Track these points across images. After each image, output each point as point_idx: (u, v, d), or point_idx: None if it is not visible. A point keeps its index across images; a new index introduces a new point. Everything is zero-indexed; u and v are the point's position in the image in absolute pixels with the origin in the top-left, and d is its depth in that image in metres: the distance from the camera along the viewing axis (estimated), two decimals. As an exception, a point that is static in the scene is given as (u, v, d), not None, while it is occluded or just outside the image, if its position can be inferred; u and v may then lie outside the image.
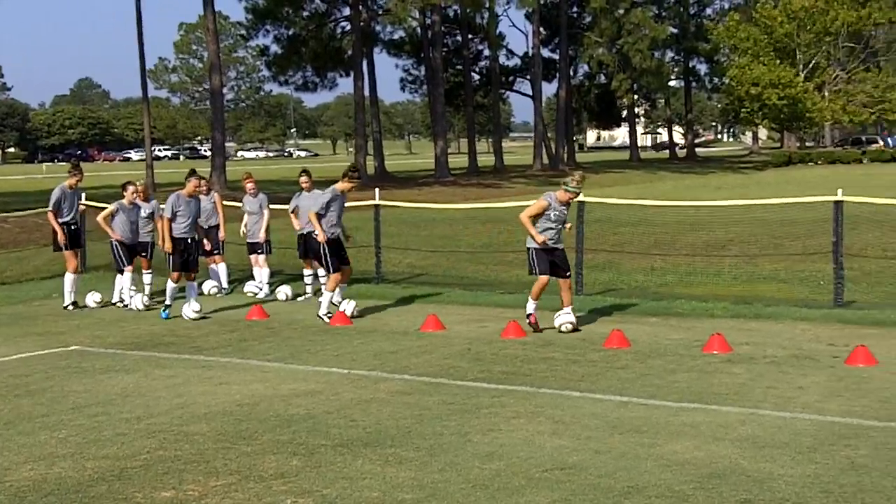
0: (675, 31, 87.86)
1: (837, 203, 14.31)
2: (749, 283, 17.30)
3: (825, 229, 15.80)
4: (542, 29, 77.15)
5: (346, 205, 14.81)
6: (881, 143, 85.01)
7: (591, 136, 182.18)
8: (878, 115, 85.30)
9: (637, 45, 73.79)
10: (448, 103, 74.26)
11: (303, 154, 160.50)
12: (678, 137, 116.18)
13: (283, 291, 16.77)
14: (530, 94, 76.45)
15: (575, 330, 12.70)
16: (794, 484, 6.71)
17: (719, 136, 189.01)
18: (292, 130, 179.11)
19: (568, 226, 13.27)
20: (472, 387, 9.88)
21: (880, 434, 7.87)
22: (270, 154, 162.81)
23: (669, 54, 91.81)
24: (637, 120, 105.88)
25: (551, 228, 12.85)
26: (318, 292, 16.75)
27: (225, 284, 17.66)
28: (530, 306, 12.98)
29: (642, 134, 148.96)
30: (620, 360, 11.03)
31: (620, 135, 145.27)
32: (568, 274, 13.08)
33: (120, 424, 8.72)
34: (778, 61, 79.58)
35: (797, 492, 6.55)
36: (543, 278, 12.82)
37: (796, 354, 11.10)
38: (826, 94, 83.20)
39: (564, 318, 12.70)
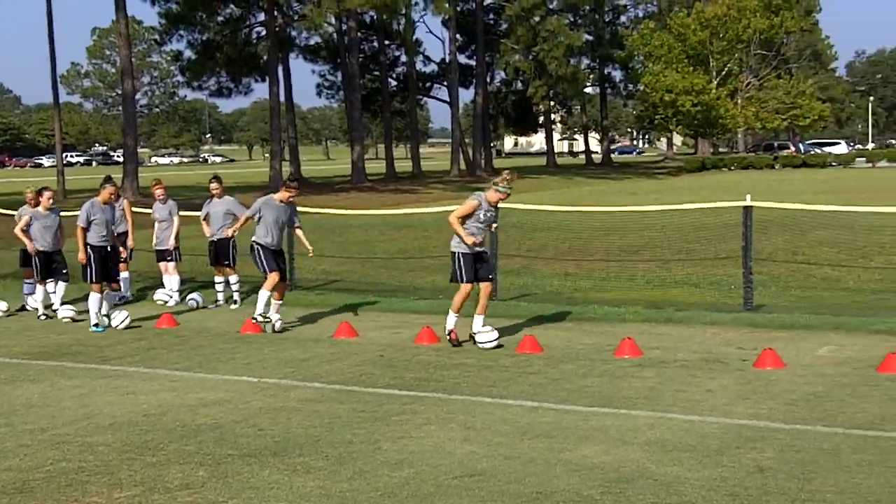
0: (590, 38, 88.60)
1: (746, 208, 14.51)
2: (662, 288, 17.46)
3: (736, 234, 15.99)
4: (458, 35, 77.19)
5: None
6: (793, 148, 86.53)
7: (508, 142, 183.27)
8: (790, 121, 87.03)
9: (553, 53, 74.21)
10: (365, 109, 74.08)
11: (218, 160, 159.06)
12: (594, 144, 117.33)
13: (194, 299, 16.54)
14: (447, 100, 76.48)
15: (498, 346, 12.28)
16: (701, 487, 6.75)
17: (635, 143, 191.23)
18: (207, 136, 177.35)
19: (494, 226, 13.20)
20: (383, 394, 9.81)
21: (786, 436, 7.96)
22: (185, 160, 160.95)
23: (585, 61, 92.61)
24: (553, 126, 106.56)
25: (479, 230, 12.48)
26: (229, 300, 16.55)
27: (128, 293, 17.38)
28: (451, 321, 12.43)
29: (559, 140, 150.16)
30: (533, 366, 11.03)
31: (538, 141, 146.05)
32: (491, 277, 12.91)
33: (23, 436, 8.49)
34: (691, 68, 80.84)
35: (703, 495, 6.59)
36: (467, 287, 12.34)
37: (706, 358, 11.21)
38: (739, 100, 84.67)
39: (487, 336, 12.15)
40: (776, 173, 70.35)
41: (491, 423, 8.58)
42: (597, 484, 6.87)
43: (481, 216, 12.41)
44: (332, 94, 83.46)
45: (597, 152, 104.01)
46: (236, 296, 16.50)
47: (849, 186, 45.46)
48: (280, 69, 60.65)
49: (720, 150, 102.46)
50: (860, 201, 28.95)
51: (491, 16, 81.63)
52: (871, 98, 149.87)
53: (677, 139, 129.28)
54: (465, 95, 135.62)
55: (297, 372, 11.00)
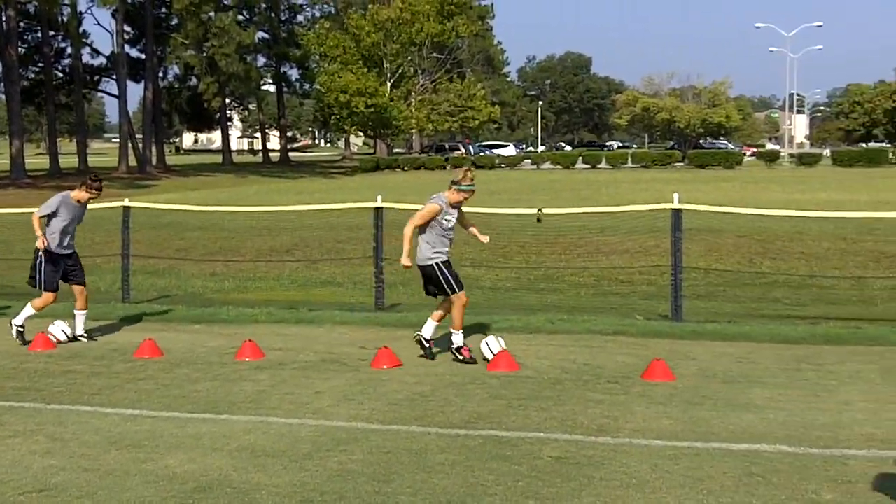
0: (266, 36, 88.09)
1: (378, 209, 14.64)
2: (306, 288, 17.43)
3: (392, 234, 15.98)
4: (128, 28, 74.85)
5: None
6: (462, 150, 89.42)
7: (188, 139, 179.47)
8: (461, 123, 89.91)
9: (224, 49, 73.21)
10: (29, 102, 70.54)
11: None
12: (276, 142, 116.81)
13: None
14: (116, 94, 73.90)
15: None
16: (278, 494, 6.61)
17: (317, 142, 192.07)
18: None
19: (485, 238, 11.36)
20: (-27, 406, 9.13)
21: (379, 437, 7.96)
22: None
23: (262, 59, 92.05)
24: (231, 123, 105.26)
25: (445, 238, 10.89)
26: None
27: None
28: (458, 338, 10.88)
29: (239, 138, 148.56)
30: (147, 371, 10.62)
31: (219, 138, 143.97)
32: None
33: None
34: (366, 69, 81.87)
35: (278, 502, 6.45)
36: (463, 296, 10.88)
37: (326, 359, 11.17)
38: (412, 102, 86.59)
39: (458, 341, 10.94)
40: (445, 174, 72.41)
41: (81, 434, 8.14)
42: (173, 494, 6.60)
43: (444, 222, 10.79)
44: (-9, 86, 78.79)
45: (275, 150, 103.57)
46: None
47: (509, 187, 47.39)
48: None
49: (397, 150, 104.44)
50: (514, 202, 30.16)
51: (162, 9, 79.54)
52: (541, 102, 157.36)
53: (359, 139, 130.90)
54: (139, 90, 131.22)
55: None
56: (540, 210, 11.37)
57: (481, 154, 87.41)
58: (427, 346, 11.08)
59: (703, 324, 13.06)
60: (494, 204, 26.45)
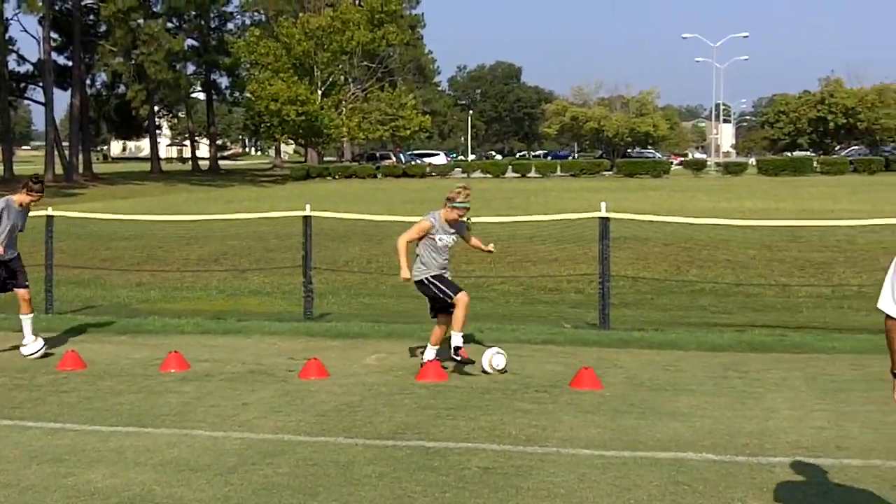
0: (195, 43, 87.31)
1: (306, 218, 14.55)
2: (234, 298, 17.27)
3: (318, 242, 15.90)
4: (55, 35, 73.72)
5: None
6: (393, 159, 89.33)
7: (116, 147, 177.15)
8: (392, 132, 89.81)
9: (153, 57, 72.39)
10: (-49, 108, 69.14)
11: None
12: (206, 150, 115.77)
13: None
14: (42, 101, 72.73)
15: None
16: (202, 509, 6.52)
17: (247, 150, 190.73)
18: None
19: (491, 247, 11.22)
20: None
21: (306, 449, 7.87)
22: None
23: (191, 67, 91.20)
24: (160, 131, 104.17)
25: (439, 257, 10.72)
26: None
27: None
28: (458, 339, 10.56)
29: (168, 146, 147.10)
30: (70, 383, 10.42)
31: (147, 146, 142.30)
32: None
33: None
34: (297, 78, 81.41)
35: (202, 517, 6.36)
36: (465, 296, 10.59)
37: (253, 370, 11.04)
38: (343, 111, 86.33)
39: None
40: (376, 182, 72.47)
41: (0, 449, 7.95)
42: (93, 511, 6.48)
43: (437, 241, 10.64)
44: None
45: (205, 159, 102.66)
46: None
47: (440, 197, 47.18)
48: None
49: (328, 159, 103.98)
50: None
51: (90, 16, 78.47)
52: (472, 112, 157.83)
53: (290, 147, 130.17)
54: (66, 97, 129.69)
55: None
56: (469, 219, 11.36)
57: (412, 163, 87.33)
58: (458, 359, 10.57)
59: (631, 332, 13.15)
60: (425, 213, 26.34)
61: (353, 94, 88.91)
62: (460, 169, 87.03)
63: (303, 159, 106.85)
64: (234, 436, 8.31)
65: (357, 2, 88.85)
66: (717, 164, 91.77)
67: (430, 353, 10.86)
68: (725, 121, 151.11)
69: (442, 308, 10.78)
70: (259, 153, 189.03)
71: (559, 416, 8.87)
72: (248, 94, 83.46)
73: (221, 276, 19.44)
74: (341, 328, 13.54)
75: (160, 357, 11.59)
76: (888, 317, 5.14)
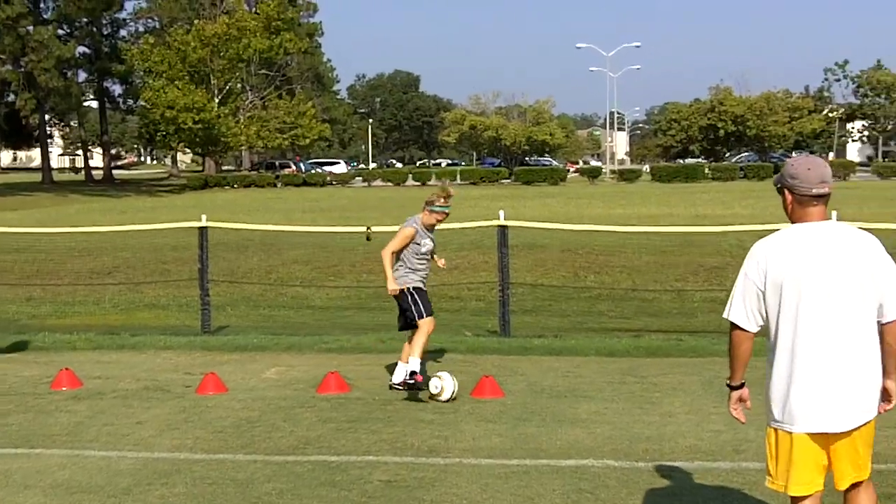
0: (87, 51, 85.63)
1: (202, 229, 14.29)
2: (128, 311, 16.92)
3: (215, 254, 15.59)
4: (-60, 41, 71.62)
5: None
6: (293, 167, 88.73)
7: (6, 157, 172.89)
8: (292, 141, 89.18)
9: (43, 64, 70.76)
10: None
11: None
12: (99, 160, 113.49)
13: None
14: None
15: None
16: (95, 532, 6.32)
17: (142, 159, 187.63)
18: None
19: (441, 262, 10.65)
20: None
21: (203, 468, 7.69)
22: None
23: (84, 74, 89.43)
24: (51, 141, 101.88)
25: (423, 264, 10.37)
26: None
27: None
28: (416, 364, 9.97)
29: (60, 155, 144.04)
30: (-44, 404, 10.05)
31: (38, 155, 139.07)
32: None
33: None
34: (193, 86, 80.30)
35: (94, 541, 6.16)
36: (431, 322, 10.24)
37: (148, 386, 10.78)
38: (241, 119, 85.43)
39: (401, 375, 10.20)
40: (276, 191, 71.87)
41: None
42: (-20, 538, 6.24)
43: (421, 247, 10.28)
44: None
45: (98, 168, 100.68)
46: None
47: (340, 205, 47.21)
48: None
49: (226, 168, 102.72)
50: (344, 220, 30.03)
51: (-23, 22, 76.48)
52: (372, 120, 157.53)
53: (186, 156, 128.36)
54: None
55: None
56: (369, 228, 11.30)
57: (312, 171, 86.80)
58: (411, 382, 9.98)
59: (531, 339, 13.17)
60: (325, 222, 26.31)
61: (251, 102, 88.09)
62: (361, 177, 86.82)
63: (200, 168, 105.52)
64: (129, 455, 8.09)
65: (253, 9, 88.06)
66: (612, 172, 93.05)
67: (414, 364, 10.05)
68: (620, 129, 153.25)
69: (406, 325, 10.43)
70: (155, 162, 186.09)
71: (461, 425, 8.83)
72: (143, 102, 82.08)
73: (115, 290, 19.01)
74: (240, 341, 13.31)
75: (51, 375, 11.22)
76: (736, 326, 5.12)
